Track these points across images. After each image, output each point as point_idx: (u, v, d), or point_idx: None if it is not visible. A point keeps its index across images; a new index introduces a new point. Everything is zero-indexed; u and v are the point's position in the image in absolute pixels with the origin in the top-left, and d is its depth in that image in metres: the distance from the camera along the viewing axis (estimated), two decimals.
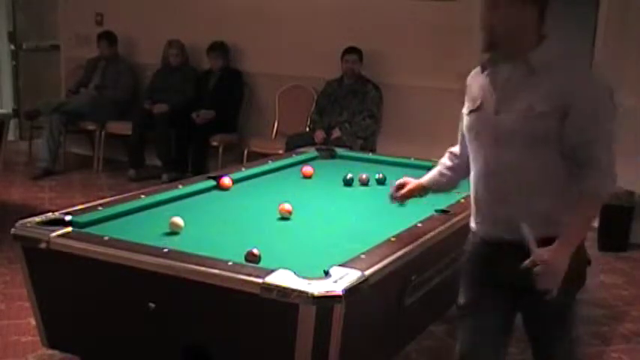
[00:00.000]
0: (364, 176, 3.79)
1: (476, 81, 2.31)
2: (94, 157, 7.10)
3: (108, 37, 7.14)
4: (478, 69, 2.32)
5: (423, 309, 2.96)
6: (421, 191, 2.73)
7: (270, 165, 4.14)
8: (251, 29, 6.72)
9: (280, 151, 5.54)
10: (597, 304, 4.28)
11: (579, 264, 2.25)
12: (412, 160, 4.23)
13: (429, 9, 5.88)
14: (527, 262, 2.08)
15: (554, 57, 2.15)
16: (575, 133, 2.09)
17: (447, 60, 5.81)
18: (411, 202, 2.80)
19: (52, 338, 2.85)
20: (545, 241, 2.11)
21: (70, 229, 2.78)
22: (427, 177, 2.71)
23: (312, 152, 4.54)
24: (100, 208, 3.10)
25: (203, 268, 2.40)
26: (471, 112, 2.30)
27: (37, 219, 2.85)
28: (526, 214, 2.16)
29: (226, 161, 6.34)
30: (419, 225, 2.94)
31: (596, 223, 5.32)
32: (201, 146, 6.54)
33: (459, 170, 2.57)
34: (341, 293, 2.24)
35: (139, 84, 7.26)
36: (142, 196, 3.32)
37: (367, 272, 2.39)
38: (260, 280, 2.28)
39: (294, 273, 2.32)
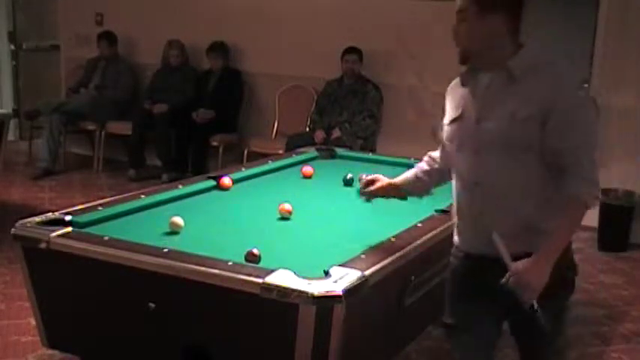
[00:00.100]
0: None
1: (456, 92, 2.29)
2: (94, 157, 7.10)
3: (108, 37, 7.14)
4: (458, 80, 2.30)
5: (423, 309, 2.96)
6: (396, 192, 2.65)
7: (270, 165, 4.14)
8: (251, 29, 6.72)
9: (280, 151, 5.54)
10: (597, 304, 4.28)
11: (563, 274, 2.18)
12: (412, 161, 4.21)
13: (429, 9, 5.88)
14: (504, 278, 2.06)
15: (534, 64, 2.13)
16: (555, 139, 2.07)
17: (447, 60, 5.80)
18: (411, 202, 2.77)
19: (52, 338, 2.85)
20: (527, 257, 2.09)
21: (70, 229, 2.78)
22: (401, 177, 2.65)
23: (312, 152, 4.54)
24: (100, 208, 3.10)
25: (203, 268, 2.40)
26: (451, 121, 2.28)
27: (37, 219, 2.85)
28: (508, 226, 2.14)
29: (226, 161, 6.34)
30: (419, 225, 2.94)
31: (596, 223, 5.32)
32: (201, 146, 6.54)
33: (436, 176, 2.54)
34: (341, 293, 2.24)
35: (139, 84, 7.26)
36: (142, 196, 3.32)
37: (367, 272, 2.39)
38: (260, 280, 2.28)
39: (294, 273, 2.32)
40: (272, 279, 2.28)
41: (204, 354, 2.46)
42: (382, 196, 2.70)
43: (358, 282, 2.33)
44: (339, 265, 2.42)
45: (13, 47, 8.20)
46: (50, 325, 2.82)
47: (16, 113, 7.76)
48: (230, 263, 2.42)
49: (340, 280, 2.30)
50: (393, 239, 2.75)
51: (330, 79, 6.20)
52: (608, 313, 4.16)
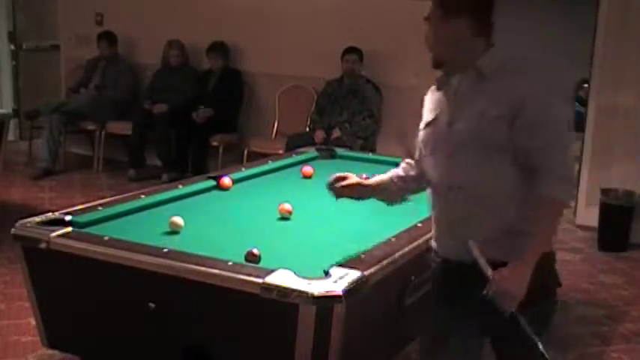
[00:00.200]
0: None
1: (433, 96, 2.28)
2: (94, 157, 7.10)
3: (108, 37, 7.14)
4: (435, 86, 2.28)
5: (423, 309, 2.96)
6: (363, 192, 2.53)
7: (270, 165, 4.14)
8: (251, 29, 6.72)
9: (280, 151, 5.54)
10: (597, 304, 4.28)
11: (544, 280, 2.13)
12: (412, 161, 4.22)
13: (429, 9, 5.88)
14: (485, 290, 2.02)
15: (504, 63, 2.11)
16: (525, 138, 2.03)
17: None
18: (411, 202, 2.75)
19: (52, 338, 2.85)
20: (504, 265, 2.04)
21: (70, 229, 2.78)
22: (374, 179, 2.55)
23: (312, 152, 4.55)
24: (100, 208, 3.10)
25: (203, 268, 2.41)
26: (426, 125, 2.26)
27: (37, 219, 2.86)
28: (484, 230, 2.09)
29: (226, 161, 6.34)
30: (419, 225, 2.94)
31: (596, 223, 5.32)
32: (201, 146, 6.54)
33: (412, 183, 2.45)
34: (341, 293, 2.24)
35: (139, 84, 7.25)
36: (142, 196, 3.32)
37: (367, 272, 2.40)
38: (260, 280, 2.28)
39: (294, 273, 2.32)
40: (272, 279, 2.28)
41: (204, 354, 2.46)
42: (349, 196, 2.56)
43: (358, 282, 2.33)
44: (339, 265, 2.42)
45: (13, 47, 8.20)
46: (50, 325, 2.82)
47: (16, 113, 7.76)
48: (230, 263, 2.42)
49: (340, 280, 2.31)
50: (393, 239, 2.75)
51: (330, 79, 6.20)
52: (608, 313, 4.16)
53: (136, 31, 7.30)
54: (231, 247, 2.64)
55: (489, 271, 2.04)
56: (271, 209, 3.20)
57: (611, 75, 5.47)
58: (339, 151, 4.67)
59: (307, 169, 4.00)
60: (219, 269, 2.38)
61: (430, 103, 2.28)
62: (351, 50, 6.04)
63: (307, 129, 6.30)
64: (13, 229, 2.78)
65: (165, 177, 6.36)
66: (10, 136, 6.91)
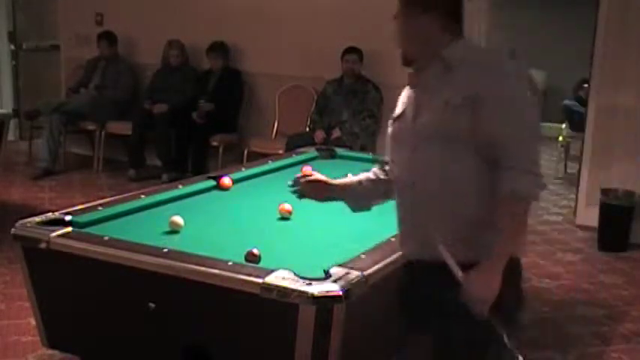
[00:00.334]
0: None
1: (405, 93, 2.24)
2: (94, 157, 7.10)
3: (108, 37, 7.14)
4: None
5: None
6: (327, 192, 2.40)
7: (270, 165, 4.14)
8: (251, 29, 6.72)
9: (280, 151, 5.54)
10: (597, 304, 4.28)
11: (506, 297, 1.96)
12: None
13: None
14: (458, 294, 1.93)
15: (470, 52, 2.06)
16: (487, 129, 1.95)
17: None
18: None
19: (52, 338, 2.85)
20: (464, 266, 1.96)
21: (70, 229, 2.78)
22: (342, 180, 2.43)
23: (312, 152, 4.55)
24: (100, 208, 3.10)
25: (203, 268, 2.41)
26: (394, 120, 2.21)
27: (37, 219, 2.86)
28: (449, 229, 2.01)
29: (226, 161, 6.34)
30: None
31: (596, 223, 5.32)
32: (201, 146, 6.54)
33: (382, 186, 2.32)
34: (341, 293, 2.24)
35: (139, 84, 7.25)
36: (142, 196, 3.32)
37: (367, 272, 2.40)
38: (260, 280, 2.28)
39: (294, 273, 2.32)
40: (272, 279, 2.28)
41: (204, 354, 2.46)
42: (312, 198, 2.45)
43: (358, 282, 2.33)
44: (339, 265, 2.42)
45: (13, 47, 8.20)
46: (50, 325, 2.82)
47: (16, 113, 7.76)
48: (230, 263, 2.42)
49: (340, 280, 2.31)
50: (393, 239, 2.75)
51: (330, 79, 6.19)
52: (608, 313, 4.16)
53: (136, 31, 7.30)
54: (231, 247, 2.64)
55: (460, 275, 1.95)
56: (271, 209, 3.20)
57: (611, 75, 5.47)
58: (339, 151, 4.67)
59: (307, 169, 3.99)
60: (219, 269, 2.38)
61: (402, 99, 2.24)
62: (351, 50, 6.04)
63: (307, 129, 6.29)
64: (13, 229, 2.78)
65: (165, 177, 6.36)
66: (10, 136, 6.91)
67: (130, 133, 6.79)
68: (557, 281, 4.62)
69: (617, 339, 3.85)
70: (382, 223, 2.98)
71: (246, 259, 2.53)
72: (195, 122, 6.52)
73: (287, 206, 3.17)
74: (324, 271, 2.38)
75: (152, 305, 2.50)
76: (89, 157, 7.26)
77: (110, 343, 2.71)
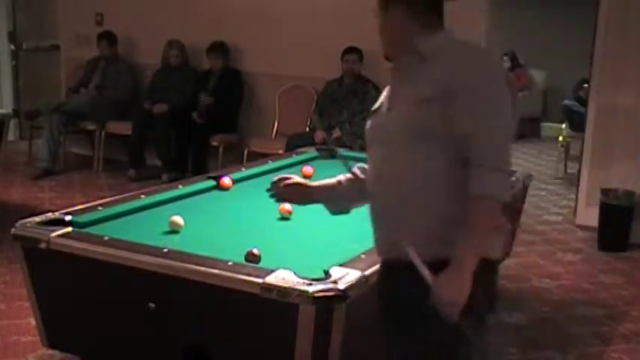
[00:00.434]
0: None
1: (386, 89, 2.20)
2: (94, 157, 7.10)
3: (108, 37, 7.14)
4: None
5: None
6: (304, 195, 2.35)
7: (270, 165, 4.14)
8: (251, 29, 6.72)
9: (280, 151, 5.54)
10: (597, 304, 4.28)
11: (476, 298, 1.89)
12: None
13: None
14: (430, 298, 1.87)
15: (445, 44, 1.99)
16: (459, 123, 1.87)
17: None
18: None
19: (52, 338, 2.85)
20: (442, 263, 1.88)
21: (70, 229, 2.78)
22: (320, 182, 2.37)
23: (312, 152, 4.55)
24: (100, 208, 3.10)
25: (203, 268, 2.41)
26: (370, 115, 2.17)
27: (37, 219, 2.86)
28: (419, 226, 1.95)
29: (226, 161, 6.34)
30: None
31: (596, 223, 5.32)
32: (201, 146, 6.54)
33: (360, 183, 2.23)
34: (341, 293, 2.24)
35: (139, 84, 7.25)
36: (142, 196, 3.32)
37: (367, 272, 2.39)
38: (260, 280, 2.28)
39: (294, 273, 2.32)
40: (272, 279, 2.28)
41: (204, 354, 2.46)
42: (290, 201, 2.45)
43: (358, 282, 2.33)
44: (339, 265, 2.42)
45: (13, 47, 8.20)
46: (50, 325, 2.82)
47: (16, 113, 7.76)
48: (230, 263, 2.42)
49: (340, 280, 2.31)
50: None
51: (330, 79, 6.20)
52: (608, 313, 4.16)
53: (136, 31, 7.30)
54: (231, 247, 2.64)
55: (429, 277, 1.88)
56: (271, 209, 3.19)
57: (611, 75, 5.46)
58: (339, 151, 4.67)
59: (307, 169, 4.00)
60: (219, 269, 2.38)
61: (382, 95, 2.20)
62: (351, 50, 6.04)
63: (307, 129, 6.30)
64: (13, 229, 2.78)
65: (165, 177, 6.36)
66: (10, 136, 6.91)
67: (130, 133, 6.78)
68: (557, 281, 4.62)
69: (617, 339, 3.85)
70: None
71: (246, 259, 2.53)
72: (195, 122, 6.52)
73: (287, 206, 3.17)
74: (324, 271, 2.38)
75: (152, 305, 2.50)
76: (89, 157, 7.26)
77: (110, 343, 2.71)
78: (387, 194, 2.02)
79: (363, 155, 4.91)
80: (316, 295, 2.21)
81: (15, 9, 8.18)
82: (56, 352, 3.17)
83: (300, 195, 2.37)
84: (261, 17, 6.65)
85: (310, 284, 2.25)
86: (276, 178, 2.39)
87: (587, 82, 5.89)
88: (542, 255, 5.09)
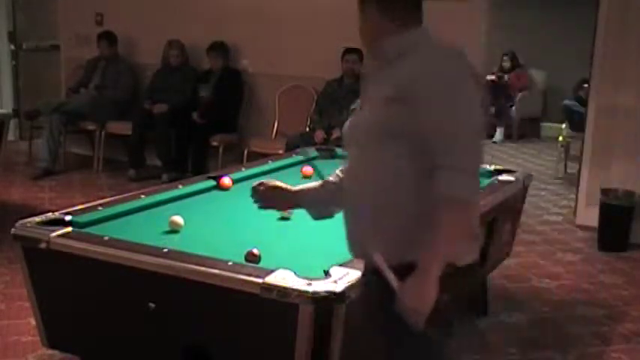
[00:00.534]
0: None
1: None
2: (94, 157, 7.10)
3: (108, 37, 7.14)
4: None
5: None
6: (286, 200, 2.33)
7: (270, 165, 4.14)
8: (251, 29, 6.72)
9: (280, 151, 5.54)
10: (597, 304, 4.28)
11: (443, 304, 1.85)
12: None
13: (429, 9, 5.88)
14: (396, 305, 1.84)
15: (408, 46, 1.95)
16: (422, 124, 1.82)
17: None
18: None
19: (52, 338, 2.85)
20: (410, 267, 1.84)
21: (70, 229, 2.78)
22: (301, 186, 2.36)
23: (312, 152, 4.55)
24: (100, 208, 3.10)
25: (203, 268, 2.41)
26: (350, 116, 2.13)
27: (37, 219, 2.86)
28: (385, 228, 1.93)
29: (226, 161, 6.34)
30: None
31: (596, 223, 5.32)
32: (201, 146, 6.54)
33: (339, 187, 2.20)
34: (341, 293, 2.24)
35: (139, 84, 7.26)
36: (142, 196, 3.32)
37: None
38: (260, 280, 2.28)
39: (294, 273, 2.32)
40: (272, 279, 2.28)
41: (204, 354, 2.46)
42: (272, 207, 2.41)
43: (358, 282, 2.33)
44: (339, 265, 2.42)
45: (13, 47, 8.21)
46: (50, 325, 2.82)
47: (16, 113, 7.76)
48: (230, 263, 2.42)
49: (340, 280, 2.31)
50: None
51: (330, 79, 6.20)
52: (608, 313, 4.16)
53: (136, 31, 7.30)
54: (231, 247, 2.64)
55: (395, 284, 1.85)
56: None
57: (611, 75, 5.46)
58: (339, 151, 4.67)
59: (307, 169, 4.00)
60: (219, 269, 2.38)
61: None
62: (351, 50, 6.04)
63: (307, 129, 6.30)
64: (13, 229, 2.78)
65: (165, 177, 6.36)
66: (10, 136, 6.91)
67: (130, 133, 6.79)
68: (557, 281, 4.62)
69: (617, 339, 3.85)
70: None
71: (246, 259, 2.53)
72: (195, 122, 6.53)
73: None
74: (324, 271, 2.38)
75: (152, 305, 2.50)
76: (89, 157, 7.26)
77: (110, 343, 2.71)
78: (359, 193, 2.00)
79: None
80: (316, 295, 2.21)
81: (15, 9, 8.19)
82: (56, 352, 3.17)
83: (282, 200, 2.35)
84: (261, 17, 6.65)
85: (310, 284, 2.25)
86: (256, 183, 2.36)
87: (587, 82, 5.89)
88: (542, 255, 5.09)
